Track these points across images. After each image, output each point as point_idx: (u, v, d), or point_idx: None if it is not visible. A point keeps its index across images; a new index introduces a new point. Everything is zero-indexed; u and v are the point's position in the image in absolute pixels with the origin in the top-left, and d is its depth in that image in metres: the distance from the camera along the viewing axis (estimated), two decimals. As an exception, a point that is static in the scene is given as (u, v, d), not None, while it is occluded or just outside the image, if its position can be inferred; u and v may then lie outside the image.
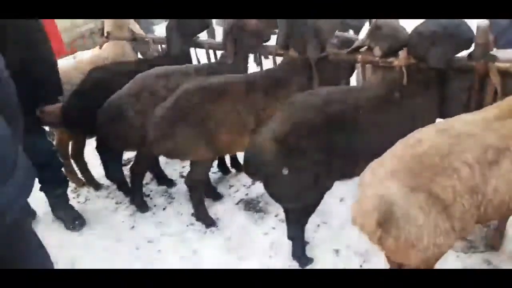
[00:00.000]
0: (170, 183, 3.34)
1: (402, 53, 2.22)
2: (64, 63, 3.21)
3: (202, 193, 2.80)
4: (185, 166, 3.57)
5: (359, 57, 2.45)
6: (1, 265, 1.45)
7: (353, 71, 3.25)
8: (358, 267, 2.35)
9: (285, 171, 1.97)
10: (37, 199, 2.97)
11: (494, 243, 2.32)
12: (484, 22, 2.03)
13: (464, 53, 2.18)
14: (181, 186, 3.32)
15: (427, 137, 1.73)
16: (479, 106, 2.10)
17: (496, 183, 1.64)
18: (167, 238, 2.79)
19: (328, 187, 2.16)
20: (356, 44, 2.44)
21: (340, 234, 2.58)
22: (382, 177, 1.65)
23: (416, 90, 2.17)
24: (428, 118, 2.13)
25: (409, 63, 2.18)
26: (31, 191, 1.40)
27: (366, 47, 2.45)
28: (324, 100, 2.08)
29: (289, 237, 2.41)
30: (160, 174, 3.35)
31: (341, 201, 2.85)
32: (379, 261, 2.32)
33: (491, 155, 1.63)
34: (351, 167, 2.10)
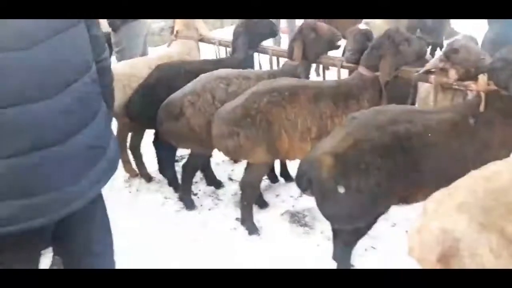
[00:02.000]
0: (218, 184, 3.35)
1: (482, 78, 2.05)
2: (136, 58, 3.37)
3: (253, 197, 2.78)
4: (234, 169, 3.57)
5: (432, 78, 2.31)
6: (65, 253, 1.60)
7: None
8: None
9: (341, 190, 1.89)
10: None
11: None
12: None
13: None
14: (229, 189, 3.32)
15: (505, 171, 1.58)
16: None
17: None
18: (210, 239, 2.78)
19: (384, 211, 2.04)
20: (429, 65, 2.31)
21: (388, 261, 2.43)
22: (449, 209, 1.51)
23: (494, 118, 1.99)
24: (504, 151, 1.95)
25: (489, 89, 2.02)
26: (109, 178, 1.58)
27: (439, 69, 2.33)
28: (391, 119, 1.97)
29: (335, 258, 2.31)
30: (210, 175, 3.37)
31: (393, 226, 2.70)
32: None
33: None
34: (412, 193, 1.97)
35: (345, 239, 2.15)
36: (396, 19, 3.73)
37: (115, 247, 2.69)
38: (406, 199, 2.03)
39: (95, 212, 1.67)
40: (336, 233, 2.26)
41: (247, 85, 2.74)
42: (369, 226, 2.08)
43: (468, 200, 1.53)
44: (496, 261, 1.42)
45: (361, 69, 2.53)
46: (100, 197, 1.68)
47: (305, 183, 2.06)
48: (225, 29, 7.78)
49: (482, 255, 1.41)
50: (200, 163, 3.11)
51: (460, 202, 1.52)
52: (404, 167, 1.90)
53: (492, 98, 2.02)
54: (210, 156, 3.17)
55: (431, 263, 1.51)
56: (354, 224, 2.00)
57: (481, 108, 2.02)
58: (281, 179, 3.35)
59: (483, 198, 1.51)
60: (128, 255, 2.66)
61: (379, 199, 1.93)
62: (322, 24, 2.85)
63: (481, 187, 1.56)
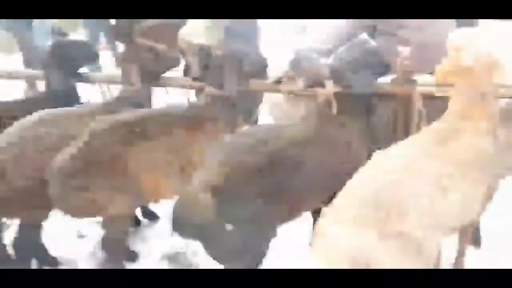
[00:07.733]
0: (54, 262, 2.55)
1: (329, 82, 2.14)
2: None
3: (121, 254, 2.37)
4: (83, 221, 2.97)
5: (282, 87, 2.34)
6: None
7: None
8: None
9: (229, 227, 1.69)
10: None
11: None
12: (406, 48, 2.08)
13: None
14: (84, 250, 2.73)
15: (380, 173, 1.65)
16: (407, 130, 2.14)
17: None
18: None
19: (276, 234, 1.93)
20: (279, 75, 2.33)
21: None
22: (348, 224, 1.50)
23: (346, 119, 2.10)
24: (361, 148, 2.09)
25: (335, 91, 2.11)
26: None
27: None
28: (259, 139, 1.87)
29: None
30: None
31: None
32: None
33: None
34: (297, 209, 1.93)
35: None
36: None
37: None
38: (292, 217, 1.97)
39: None
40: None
41: (81, 124, 2.25)
42: (266, 253, 1.94)
43: (361, 212, 1.54)
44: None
45: (208, 88, 2.37)
46: None
47: (185, 228, 1.79)
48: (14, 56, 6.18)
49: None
50: (38, 233, 2.42)
51: (354, 215, 1.52)
52: (284, 185, 1.83)
53: (340, 100, 2.11)
54: (45, 219, 2.48)
55: None
56: (251, 259, 1.83)
57: (334, 111, 2.10)
58: (145, 220, 2.95)
59: (371, 206, 1.55)
60: None
61: (269, 224, 1.82)
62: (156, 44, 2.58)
63: (367, 193, 1.60)
